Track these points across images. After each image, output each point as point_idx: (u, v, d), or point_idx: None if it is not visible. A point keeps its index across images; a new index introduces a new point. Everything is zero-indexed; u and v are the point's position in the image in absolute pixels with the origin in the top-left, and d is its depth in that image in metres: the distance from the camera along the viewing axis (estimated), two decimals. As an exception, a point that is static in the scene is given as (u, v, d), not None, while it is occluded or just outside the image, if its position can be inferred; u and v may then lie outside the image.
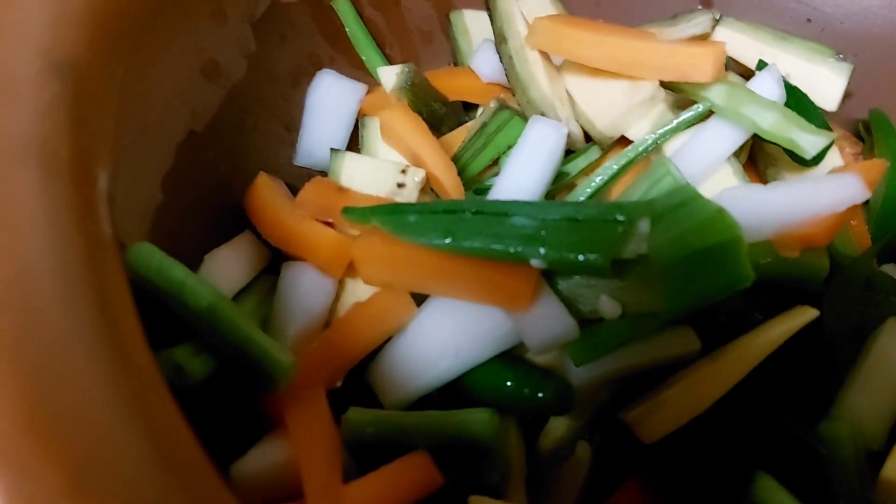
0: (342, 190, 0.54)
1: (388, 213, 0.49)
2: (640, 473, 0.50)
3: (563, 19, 0.59)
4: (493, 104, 0.58)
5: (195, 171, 0.55)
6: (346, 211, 0.50)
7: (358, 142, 0.64)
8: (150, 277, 0.45)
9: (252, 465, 0.44)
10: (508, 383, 0.49)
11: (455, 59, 0.70)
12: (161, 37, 0.50)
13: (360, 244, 0.50)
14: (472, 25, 0.68)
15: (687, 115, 0.55)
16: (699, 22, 0.62)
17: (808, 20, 0.72)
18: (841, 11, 0.71)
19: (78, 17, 0.39)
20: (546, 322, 0.47)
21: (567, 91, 0.59)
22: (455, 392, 0.49)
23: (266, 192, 0.55)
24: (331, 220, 0.52)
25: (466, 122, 0.64)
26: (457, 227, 0.47)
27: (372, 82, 0.68)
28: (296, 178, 0.60)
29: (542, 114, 0.56)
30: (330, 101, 0.63)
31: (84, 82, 0.38)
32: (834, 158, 0.61)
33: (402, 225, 0.48)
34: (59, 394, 0.26)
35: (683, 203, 0.46)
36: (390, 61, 0.69)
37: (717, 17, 0.67)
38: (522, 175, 0.54)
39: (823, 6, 0.72)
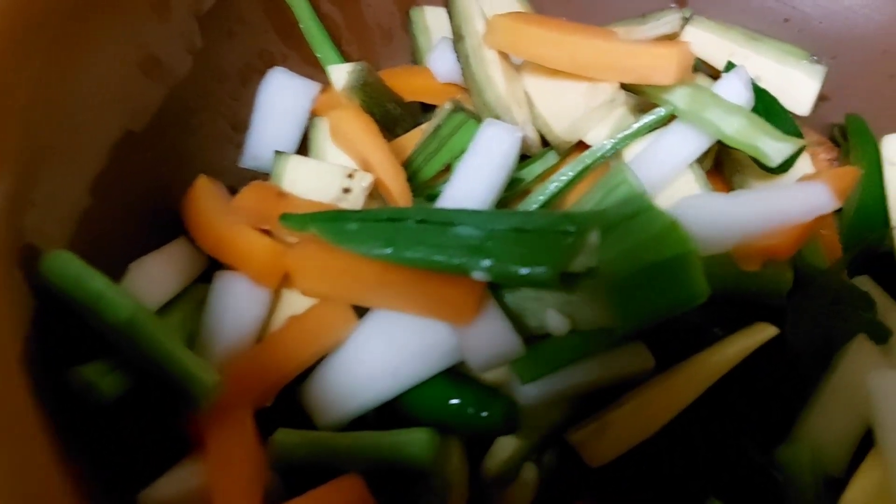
0: (282, 195, 0.51)
1: (328, 221, 0.47)
2: (589, 496, 0.47)
3: (521, 17, 0.56)
4: (447, 106, 0.55)
5: (130, 173, 0.52)
6: (284, 217, 0.48)
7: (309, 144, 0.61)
8: (66, 288, 0.42)
9: (162, 491, 0.41)
10: (451, 401, 0.46)
11: (415, 57, 0.67)
12: (91, 30, 0.48)
13: (296, 253, 0.47)
14: (433, 23, 0.66)
15: (648, 119, 0.53)
16: (668, 21, 0.59)
17: (786, 20, 0.70)
18: (820, 11, 0.69)
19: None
20: (489, 338, 0.44)
21: (526, 93, 0.56)
22: (393, 412, 0.47)
23: (204, 196, 0.52)
24: (268, 228, 0.49)
25: (423, 123, 0.61)
26: (399, 236, 0.44)
27: (327, 81, 0.66)
28: (242, 182, 0.57)
29: (498, 116, 0.53)
30: (280, 100, 0.61)
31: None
32: (805, 165, 0.59)
33: (341, 233, 0.46)
34: None
35: (636, 214, 0.43)
36: (347, 59, 0.66)
37: (688, 16, 0.64)
38: (473, 181, 0.51)
39: (802, 5, 0.70)
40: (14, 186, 0.40)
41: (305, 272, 0.47)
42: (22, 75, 0.40)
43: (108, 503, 0.38)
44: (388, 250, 0.44)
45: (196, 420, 0.43)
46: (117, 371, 0.42)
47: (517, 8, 0.65)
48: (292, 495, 0.43)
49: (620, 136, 0.53)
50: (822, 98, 0.69)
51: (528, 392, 0.47)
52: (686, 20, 0.64)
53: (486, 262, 0.42)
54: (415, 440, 0.44)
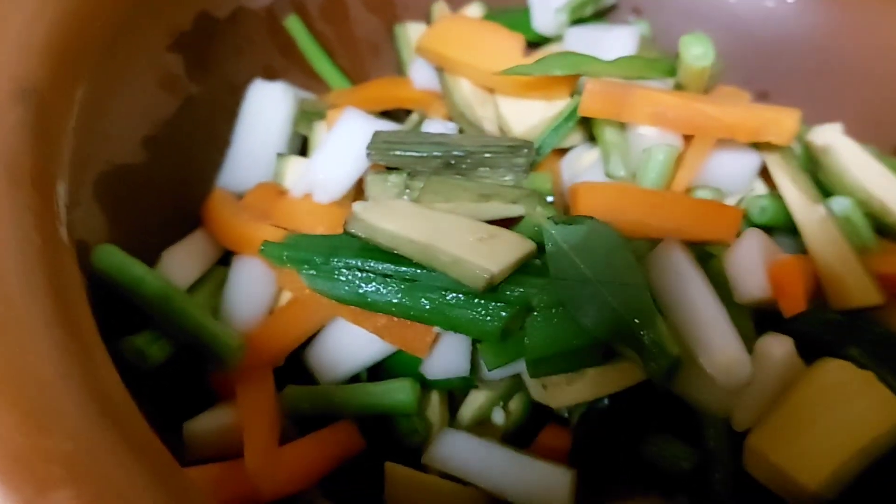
0: (283, 193, 0.60)
1: (300, 262, 0.53)
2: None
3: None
4: (415, 116, 0.64)
5: (156, 175, 0.61)
6: (264, 247, 0.54)
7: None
8: (113, 274, 0.51)
9: (201, 424, 0.52)
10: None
11: (400, 68, 0.77)
12: (120, 58, 0.57)
13: (283, 278, 0.55)
14: (415, 37, 0.74)
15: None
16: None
17: (728, 28, 0.78)
18: (759, 19, 0.78)
19: (41, 48, 0.46)
20: (440, 364, 0.54)
21: (494, 99, 0.65)
22: (382, 371, 0.56)
23: (219, 205, 0.61)
24: (273, 222, 0.58)
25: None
26: (367, 287, 0.51)
27: (325, 89, 0.75)
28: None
29: (463, 114, 0.63)
30: (260, 118, 0.67)
31: (45, 104, 0.45)
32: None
33: (311, 276, 0.53)
34: (17, 356, 0.33)
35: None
36: (341, 71, 0.75)
37: (645, 33, 0.73)
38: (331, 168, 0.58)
39: (743, 14, 0.78)
40: (67, 191, 0.49)
41: (294, 290, 0.55)
42: (73, 101, 0.49)
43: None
44: (356, 298, 0.52)
45: (225, 377, 0.53)
46: (161, 340, 0.51)
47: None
48: (300, 437, 0.53)
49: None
50: (763, 95, 0.79)
51: (493, 374, 0.55)
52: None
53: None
54: (399, 387, 0.53)
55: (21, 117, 0.43)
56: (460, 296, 0.50)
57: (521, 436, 0.57)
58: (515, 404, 0.58)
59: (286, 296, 0.58)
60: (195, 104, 0.66)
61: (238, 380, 0.53)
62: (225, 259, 0.61)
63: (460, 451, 0.52)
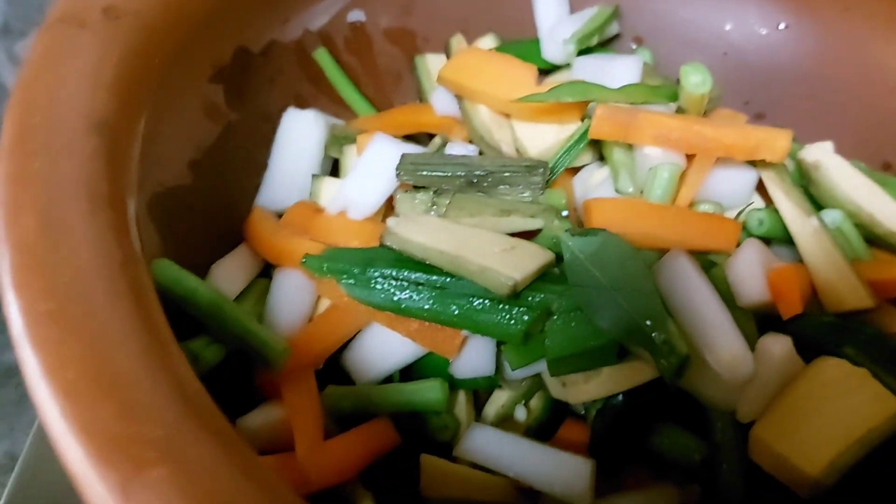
0: (319, 211, 0.65)
1: (339, 272, 0.58)
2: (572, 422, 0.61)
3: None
4: (437, 140, 0.70)
5: (200, 197, 0.66)
6: (306, 260, 0.59)
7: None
8: (170, 286, 0.56)
9: (254, 420, 0.56)
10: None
11: (420, 96, 0.82)
12: (170, 90, 0.62)
13: (323, 287, 0.60)
14: (433, 67, 0.80)
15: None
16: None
17: (725, 53, 0.84)
18: (753, 46, 0.83)
19: (109, 84, 0.51)
20: (468, 365, 0.59)
21: (510, 123, 0.71)
22: (412, 373, 0.61)
23: (260, 222, 0.66)
24: (310, 237, 0.63)
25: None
26: (400, 295, 0.56)
27: (351, 115, 0.80)
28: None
29: (482, 138, 0.68)
30: (294, 142, 0.72)
31: (116, 135, 0.50)
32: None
33: (351, 286, 0.58)
34: (110, 356, 0.38)
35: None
36: (367, 98, 0.81)
37: (647, 61, 0.78)
38: (363, 188, 0.64)
39: (738, 42, 0.84)
40: (135, 212, 0.54)
41: (332, 297, 0.60)
42: (138, 131, 0.54)
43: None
44: (390, 305, 0.56)
45: (271, 379, 0.58)
46: (214, 345, 0.56)
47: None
48: (341, 433, 0.58)
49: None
50: (759, 116, 0.84)
51: (516, 374, 0.60)
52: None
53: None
54: (430, 387, 0.58)
55: (96, 146, 0.48)
56: (486, 301, 0.55)
57: (541, 432, 0.61)
58: (536, 402, 0.62)
59: (324, 304, 0.62)
60: (234, 130, 0.72)
61: (283, 381, 0.58)
62: (265, 272, 0.66)
63: (488, 444, 0.57)
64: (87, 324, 0.39)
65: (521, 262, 0.55)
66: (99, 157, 0.48)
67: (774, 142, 0.61)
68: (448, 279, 0.56)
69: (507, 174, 0.62)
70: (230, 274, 0.62)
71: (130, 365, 0.39)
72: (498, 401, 0.61)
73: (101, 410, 0.36)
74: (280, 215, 0.68)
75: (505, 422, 0.61)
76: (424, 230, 0.58)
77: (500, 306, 0.55)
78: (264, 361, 0.57)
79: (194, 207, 0.65)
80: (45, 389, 0.36)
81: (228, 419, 0.56)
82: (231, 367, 0.59)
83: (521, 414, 0.61)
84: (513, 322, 0.55)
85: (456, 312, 0.55)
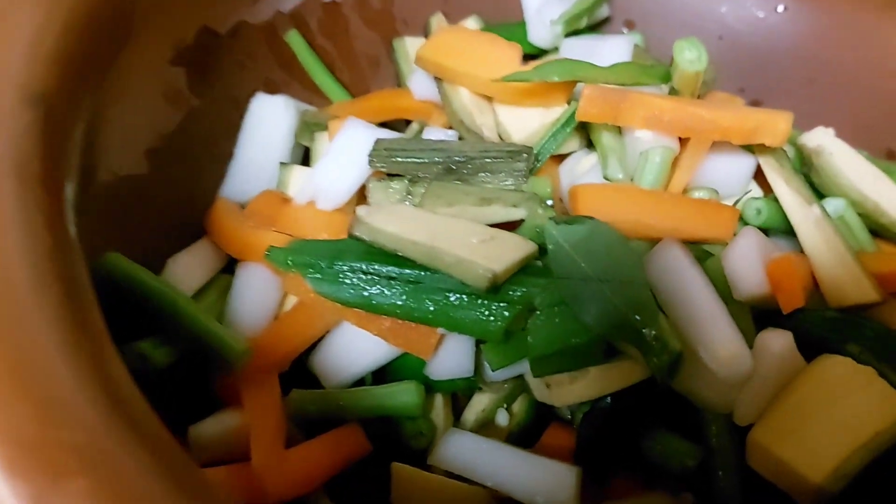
0: (286, 200, 0.61)
1: (305, 265, 0.53)
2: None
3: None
4: (415, 125, 0.66)
5: (159, 187, 0.62)
6: (269, 252, 0.55)
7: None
8: (120, 281, 0.52)
9: (209, 427, 0.52)
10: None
11: (399, 80, 0.78)
12: (124, 71, 0.58)
13: (288, 283, 0.56)
14: (412, 51, 0.75)
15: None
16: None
17: (720, 37, 0.80)
18: (748, 28, 0.79)
19: (49, 57, 0.47)
20: (446, 365, 0.55)
21: (493, 107, 0.67)
22: (386, 375, 0.57)
23: (222, 214, 0.62)
24: (277, 229, 0.59)
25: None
26: (371, 288, 0.52)
27: (325, 102, 0.76)
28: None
29: (462, 122, 0.64)
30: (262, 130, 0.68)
31: (54, 110, 0.46)
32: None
33: (316, 280, 0.53)
34: (29, 349, 0.33)
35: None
36: (342, 84, 0.76)
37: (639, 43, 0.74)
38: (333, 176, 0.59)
39: (734, 24, 0.80)
40: (74, 196, 0.50)
41: (300, 294, 0.55)
42: (81, 109, 0.50)
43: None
44: (360, 301, 0.52)
45: (230, 382, 0.53)
46: (166, 345, 0.52)
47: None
48: (306, 440, 0.53)
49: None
50: (755, 103, 0.80)
51: (497, 375, 0.56)
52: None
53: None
54: (404, 389, 0.54)
55: (31, 121, 0.44)
56: (464, 297, 0.51)
57: (524, 437, 0.57)
58: (519, 406, 0.58)
59: (291, 302, 0.58)
60: (198, 117, 0.67)
61: (244, 384, 0.53)
62: (229, 268, 0.62)
63: (466, 450, 0.52)
64: (3, 311, 0.34)
65: (501, 254, 0.51)
66: (32, 134, 0.43)
67: (775, 125, 0.57)
68: (423, 273, 0.52)
69: (488, 160, 0.58)
70: (188, 268, 0.58)
71: (52, 360, 0.34)
72: (478, 405, 0.57)
73: (15, 410, 0.32)
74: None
75: (485, 427, 0.57)
76: (397, 220, 0.53)
77: (479, 302, 0.51)
78: (223, 363, 0.52)
79: (153, 199, 0.61)
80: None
81: (181, 426, 0.53)
82: (187, 371, 0.54)
83: (502, 418, 0.57)
84: (492, 319, 0.51)
85: (431, 309, 0.51)
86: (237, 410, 0.53)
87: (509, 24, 0.77)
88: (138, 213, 0.59)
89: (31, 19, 0.47)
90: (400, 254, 0.52)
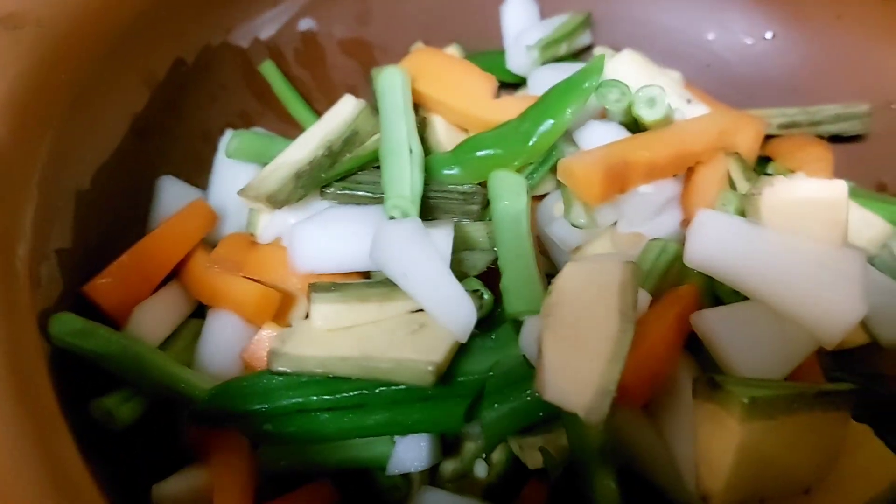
0: (254, 244, 0.59)
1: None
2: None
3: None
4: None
5: (128, 224, 0.60)
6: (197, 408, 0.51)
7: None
8: (75, 342, 0.49)
9: (171, 487, 0.50)
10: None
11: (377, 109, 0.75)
12: (88, 110, 0.56)
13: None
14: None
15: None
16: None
17: (708, 65, 0.78)
18: (737, 57, 0.77)
19: (2, 106, 0.45)
20: (405, 460, 0.52)
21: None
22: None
23: (192, 257, 0.59)
24: (245, 274, 0.56)
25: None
26: (312, 427, 0.51)
27: (300, 133, 0.74)
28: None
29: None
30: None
31: (6, 163, 0.44)
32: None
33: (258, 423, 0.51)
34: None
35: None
36: (318, 114, 0.74)
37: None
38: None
39: (722, 53, 0.78)
40: (29, 253, 0.47)
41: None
42: (38, 155, 0.48)
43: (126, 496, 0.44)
44: (309, 435, 0.51)
45: (200, 435, 0.51)
46: (132, 401, 0.50)
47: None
48: (277, 495, 0.51)
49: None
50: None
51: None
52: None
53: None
54: (379, 440, 0.51)
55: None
56: (414, 403, 0.50)
57: (503, 490, 0.55)
58: (498, 456, 0.56)
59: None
60: (169, 152, 0.65)
61: (212, 437, 0.51)
62: (200, 311, 0.59)
63: (441, 510, 0.50)
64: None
65: (436, 341, 0.49)
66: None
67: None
68: (363, 392, 0.50)
69: (442, 201, 0.57)
70: (156, 316, 0.55)
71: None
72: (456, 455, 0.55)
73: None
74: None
75: (463, 478, 0.55)
76: (318, 339, 0.50)
77: (430, 403, 0.50)
78: (192, 413, 0.50)
79: (119, 240, 0.58)
80: None
81: (149, 482, 0.50)
82: (156, 425, 0.52)
83: (480, 470, 0.54)
84: (449, 417, 0.50)
85: (383, 423, 0.50)
86: (203, 467, 0.50)
87: (489, 53, 0.75)
88: (104, 258, 0.56)
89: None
90: (331, 375, 0.50)
